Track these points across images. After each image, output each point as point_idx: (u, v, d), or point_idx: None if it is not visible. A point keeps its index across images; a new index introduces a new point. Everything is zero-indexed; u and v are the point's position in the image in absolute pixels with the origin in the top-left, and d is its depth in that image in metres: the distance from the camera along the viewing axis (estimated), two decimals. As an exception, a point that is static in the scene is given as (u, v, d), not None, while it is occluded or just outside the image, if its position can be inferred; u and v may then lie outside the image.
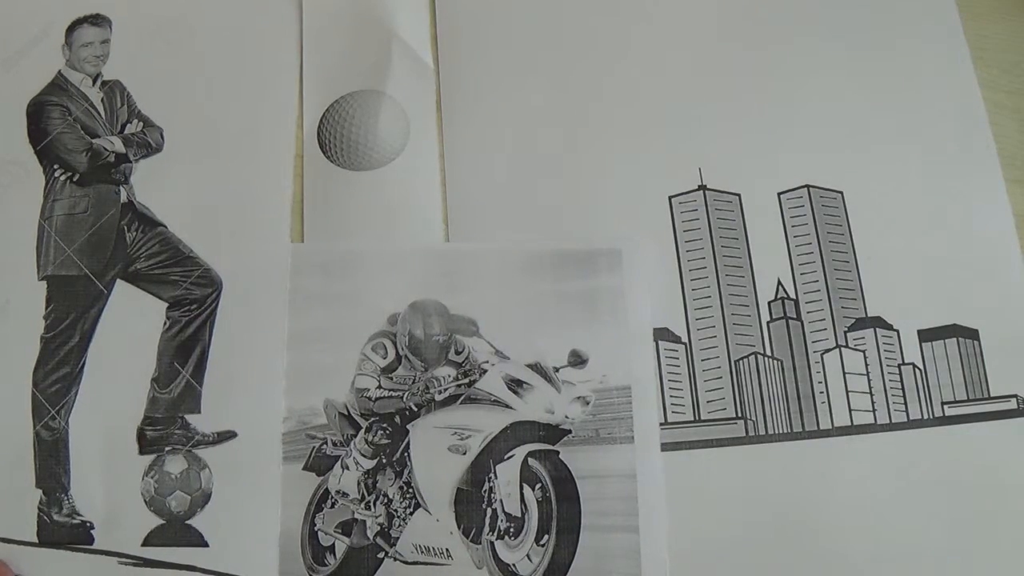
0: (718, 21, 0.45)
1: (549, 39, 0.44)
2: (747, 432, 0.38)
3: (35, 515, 0.36)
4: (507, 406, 0.38)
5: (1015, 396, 0.39)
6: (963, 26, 0.45)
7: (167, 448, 0.37)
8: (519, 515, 0.36)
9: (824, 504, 0.37)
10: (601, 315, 0.39)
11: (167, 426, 0.37)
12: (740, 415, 0.38)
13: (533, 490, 0.37)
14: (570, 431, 0.37)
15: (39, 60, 0.43)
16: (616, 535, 0.36)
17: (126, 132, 0.42)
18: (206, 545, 0.36)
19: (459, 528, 0.36)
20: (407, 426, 0.37)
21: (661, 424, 0.38)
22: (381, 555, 0.36)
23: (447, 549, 0.36)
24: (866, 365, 0.39)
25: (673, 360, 0.39)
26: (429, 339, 0.38)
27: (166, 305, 0.39)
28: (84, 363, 0.38)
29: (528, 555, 0.36)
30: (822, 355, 0.40)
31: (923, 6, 0.45)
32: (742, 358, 0.39)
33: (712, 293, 0.40)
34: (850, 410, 0.39)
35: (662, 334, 0.39)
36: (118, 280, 0.40)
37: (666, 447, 0.37)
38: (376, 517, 0.36)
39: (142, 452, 0.37)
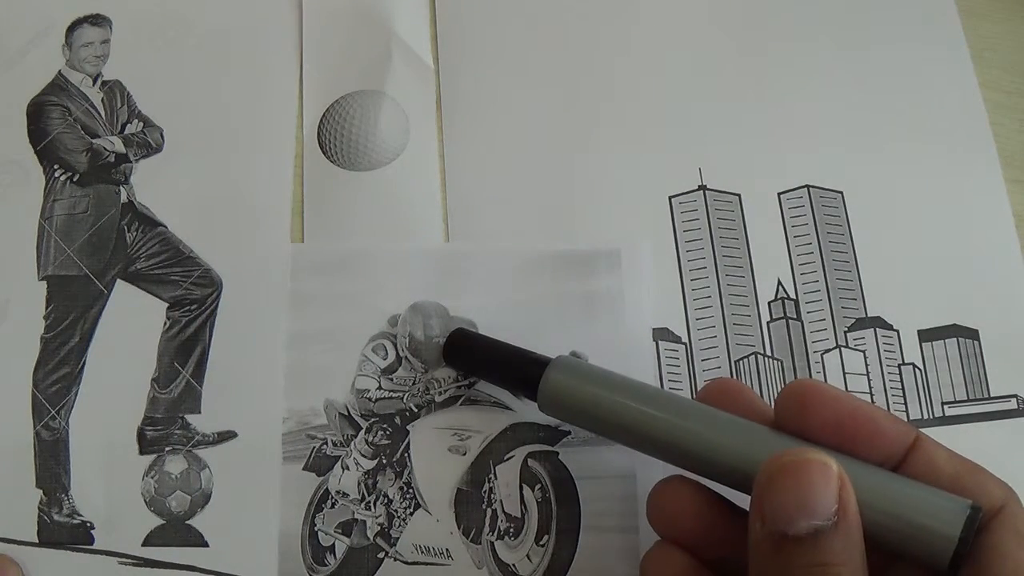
0: (719, 21, 0.45)
1: (549, 39, 0.44)
2: (747, 432, 0.38)
3: (35, 515, 0.36)
4: (507, 407, 0.38)
5: (1015, 396, 0.39)
6: (963, 26, 0.45)
7: (167, 448, 0.37)
8: (519, 515, 0.36)
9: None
10: (601, 315, 0.39)
11: (167, 426, 0.37)
12: (740, 415, 0.38)
13: (533, 491, 0.37)
14: (570, 432, 0.37)
15: (39, 60, 0.43)
16: (616, 535, 0.36)
17: (126, 132, 0.42)
18: (206, 545, 0.36)
19: (459, 528, 0.36)
20: (407, 427, 0.37)
21: (661, 424, 0.38)
22: (381, 555, 0.36)
23: (447, 549, 0.36)
24: (866, 365, 0.39)
25: (673, 360, 0.39)
26: (429, 340, 0.38)
27: (166, 305, 0.39)
28: (84, 363, 0.38)
29: (528, 555, 0.36)
30: (822, 355, 0.40)
31: (923, 6, 0.45)
32: (742, 358, 0.40)
33: (712, 293, 0.40)
34: (850, 410, 0.39)
35: (662, 334, 0.39)
36: (118, 280, 0.40)
37: (666, 447, 0.37)
38: (376, 517, 0.36)
39: (142, 452, 0.37)
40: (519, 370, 0.35)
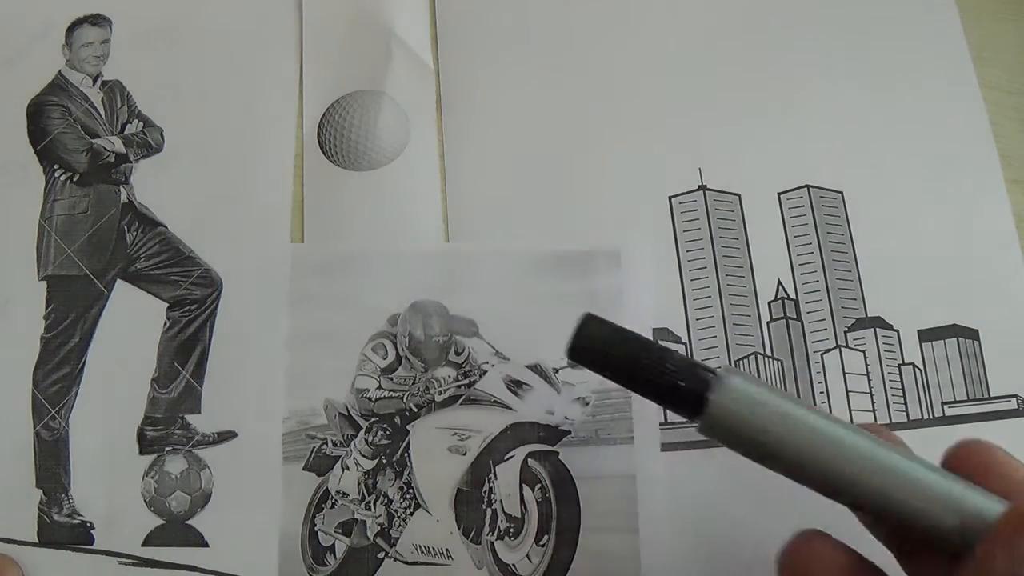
0: (718, 21, 0.45)
1: (549, 39, 0.44)
2: (747, 432, 0.38)
3: (35, 515, 0.36)
4: (507, 407, 0.38)
5: (1015, 396, 0.39)
6: (963, 26, 0.45)
7: (167, 448, 0.37)
8: (519, 515, 0.36)
9: (824, 504, 0.37)
10: (601, 315, 0.39)
11: (167, 426, 0.37)
12: (740, 415, 0.38)
13: (533, 491, 0.37)
14: (570, 432, 0.37)
15: (39, 60, 0.43)
16: (616, 536, 0.36)
17: (126, 132, 0.42)
18: (206, 545, 0.36)
19: (459, 528, 0.36)
20: (407, 426, 0.37)
21: (661, 424, 0.38)
22: (381, 555, 0.36)
23: (447, 549, 0.36)
24: (866, 365, 0.39)
25: (673, 360, 0.39)
26: (429, 340, 0.38)
27: (166, 305, 0.39)
28: (84, 363, 0.38)
29: (528, 555, 0.36)
30: (822, 355, 0.40)
31: (923, 5, 0.45)
32: (742, 358, 0.40)
33: (712, 293, 0.40)
34: (850, 410, 0.39)
35: (662, 334, 0.39)
36: (118, 280, 0.40)
37: (666, 447, 0.37)
38: (376, 517, 0.36)
39: (142, 452, 0.37)
40: (676, 377, 0.27)
